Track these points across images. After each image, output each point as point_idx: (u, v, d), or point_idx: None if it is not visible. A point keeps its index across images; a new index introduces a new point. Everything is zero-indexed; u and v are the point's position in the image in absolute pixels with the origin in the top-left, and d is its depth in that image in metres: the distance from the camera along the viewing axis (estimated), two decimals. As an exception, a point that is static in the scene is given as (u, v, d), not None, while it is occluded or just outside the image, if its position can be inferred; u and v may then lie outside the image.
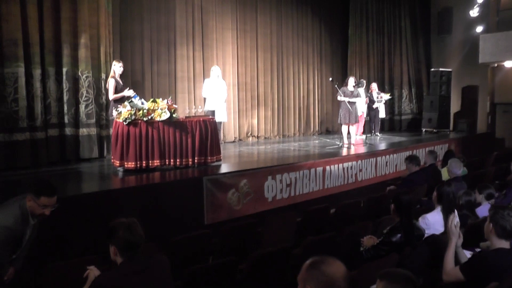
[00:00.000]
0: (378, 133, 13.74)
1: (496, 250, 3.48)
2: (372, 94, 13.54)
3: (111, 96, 8.05)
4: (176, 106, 7.54)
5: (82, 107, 8.36)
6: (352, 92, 10.76)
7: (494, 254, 3.46)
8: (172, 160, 7.28)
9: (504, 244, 3.46)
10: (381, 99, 13.65)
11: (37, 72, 7.72)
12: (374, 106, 13.44)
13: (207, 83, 9.69)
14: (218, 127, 9.51)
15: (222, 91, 9.77)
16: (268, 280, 4.15)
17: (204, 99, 9.72)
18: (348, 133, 10.93)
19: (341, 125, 10.97)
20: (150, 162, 7.10)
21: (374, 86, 13.88)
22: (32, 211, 3.51)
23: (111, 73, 8.18)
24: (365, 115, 13.37)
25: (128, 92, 7.97)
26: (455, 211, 3.76)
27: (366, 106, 13.28)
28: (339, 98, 10.74)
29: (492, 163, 10.52)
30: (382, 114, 13.95)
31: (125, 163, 7.01)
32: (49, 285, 3.76)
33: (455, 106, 16.54)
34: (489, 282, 3.17)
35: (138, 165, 7.01)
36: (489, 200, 5.49)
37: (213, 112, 9.34)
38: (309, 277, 2.27)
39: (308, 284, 2.26)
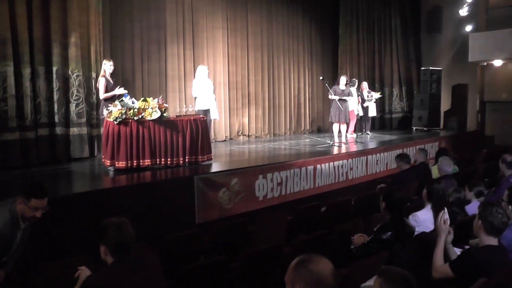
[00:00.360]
0: (368, 132, 13.82)
1: (485, 247, 3.51)
2: (362, 93, 13.61)
3: (102, 95, 7.99)
4: (166, 105, 7.56)
5: (72, 106, 8.33)
6: (343, 91, 10.81)
7: (483, 250, 3.50)
8: (163, 160, 7.28)
9: (492, 241, 3.50)
10: (371, 97, 13.72)
11: (26, 71, 7.68)
12: (365, 105, 13.52)
13: (196, 83, 9.63)
14: (209, 125, 9.57)
15: (212, 90, 9.78)
16: (259, 279, 4.17)
17: (195, 98, 9.71)
18: (339, 131, 10.97)
19: (332, 123, 11.02)
20: (141, 161, 7.10)
21: (364, 85, 13.96)
22: (23, 214, 3.49)
23: (102, 72, 8.09)
24: (358, 114, 13.39)
25: (119, 91, 7.91)
26: (445, 208, 3.80)
27: (359, 105, 13.32)
28: (330, 96, 10.79)
29: (482, 160, 10.59)
30: (372, 113, 14.00)
31: (116, 162, 7.00)
32: (41, 285, 3.75)
33: (445, 104, 16.63)
34: (478, 278, 3.20)
35: (129, 165, 7.00)
36: (479, 197, 5.53)
37: (205, 111, 9.36)
38: (297, 276, 2.26)
39: (296, 284, 2.25)
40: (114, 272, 2.89)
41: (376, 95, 14.10)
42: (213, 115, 9.71)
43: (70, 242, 5.14)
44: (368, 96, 13.64)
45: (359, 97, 13.38)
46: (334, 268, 2.29)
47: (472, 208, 5.23)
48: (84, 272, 3.11)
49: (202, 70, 9.63)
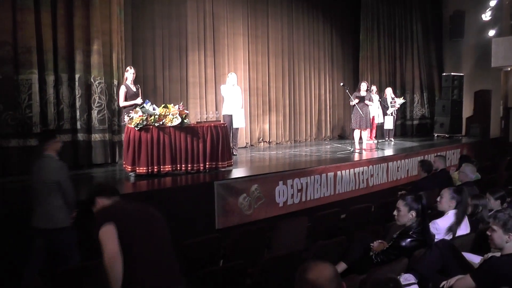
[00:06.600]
0: (392, 139, 13.63)
1: (508, 255, 3.46)
2: (385, 100, 13.45)
3: (121, 103, 8.12)
4: (187, 112, 7.61)
5: (94, 113, 8.45)
6: (364, 97, 10.78)
7: (506, 259, 3.44)
8: (183, 165, 7.33)
9: (515, 249, 3.44)
10: (394, 103, 13.51)
11: (50, 79, 7.85)
12: (388, 111, 13.34)
13: (223, 87, 9.85)
14: (235, 133, 9.68)
15: (239, 97, 9.86)
16: (277, 285, 4.16)
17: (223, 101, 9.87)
18: (360, 138, 10.93)
19: (353, 130, 10.98)
20: (161, 167, 7.16)
21: (388, 91, 13.79)
22: None
23: (124, 80, 8.22)
24: (379, 121, 13.25)
25: (139, 101, 7.98)
26: None
27: (381, 111, 13.20)
28: (351, 103, 10.76)
29: (505, 168, 10.43)
30: (389, 125, 13.45)
31: (137, 168, 7.07)
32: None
33: (467, 110, 16.40)
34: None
35: (149, 170, 7.07)
36: (501, 204, 5.44)
37: (229, 117, 9.50)
38: (297, 286, 2.27)
39: None
40: (123, 202, 3.39)
41: (400, 100, 13.90)
42: (237, 123, 9.75)
43: (91, 244, 5.19)
44: (391, 103, 13.46)
45: (380, 102, 13.23)
46: (333, 273, 2.28)
47: (494, 215, 5.15)
48: None
49: (230, 77, 9.85)
